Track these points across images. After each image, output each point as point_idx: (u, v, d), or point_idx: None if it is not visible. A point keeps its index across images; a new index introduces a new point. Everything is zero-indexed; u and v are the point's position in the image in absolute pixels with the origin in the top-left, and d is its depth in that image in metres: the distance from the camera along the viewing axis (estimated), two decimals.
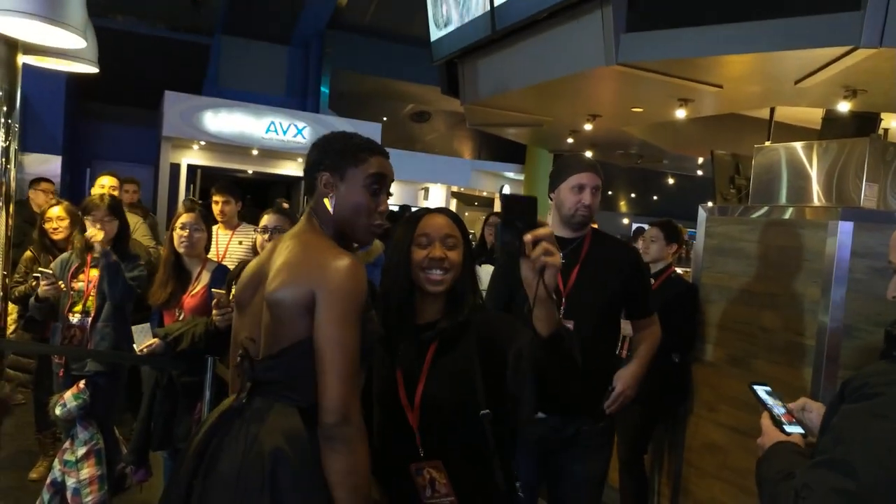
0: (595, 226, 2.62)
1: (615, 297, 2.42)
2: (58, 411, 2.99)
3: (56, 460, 3.04)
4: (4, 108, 3.18)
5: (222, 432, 1.42)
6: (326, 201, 1.48)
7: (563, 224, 2.46)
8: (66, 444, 3.04)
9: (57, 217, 3.66)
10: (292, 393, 1.39)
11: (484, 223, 5.18)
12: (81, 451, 2.99)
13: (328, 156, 1.50)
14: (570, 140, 6.93)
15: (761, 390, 1.53)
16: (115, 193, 4.37)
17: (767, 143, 4.88)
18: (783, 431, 1.39)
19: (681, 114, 4.75)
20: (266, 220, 2.90)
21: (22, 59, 3.19)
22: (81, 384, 3.03)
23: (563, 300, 2.42)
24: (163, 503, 1.47)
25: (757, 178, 4.52)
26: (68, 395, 3.01)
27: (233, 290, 2.84)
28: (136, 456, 3.01)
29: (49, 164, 8.66)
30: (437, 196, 17.00)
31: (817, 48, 3.21)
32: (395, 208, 9.10)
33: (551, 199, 2.50)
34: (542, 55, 4.35)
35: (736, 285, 3.11)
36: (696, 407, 3.26)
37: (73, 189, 10.12)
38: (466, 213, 17.94)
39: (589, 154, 7.91)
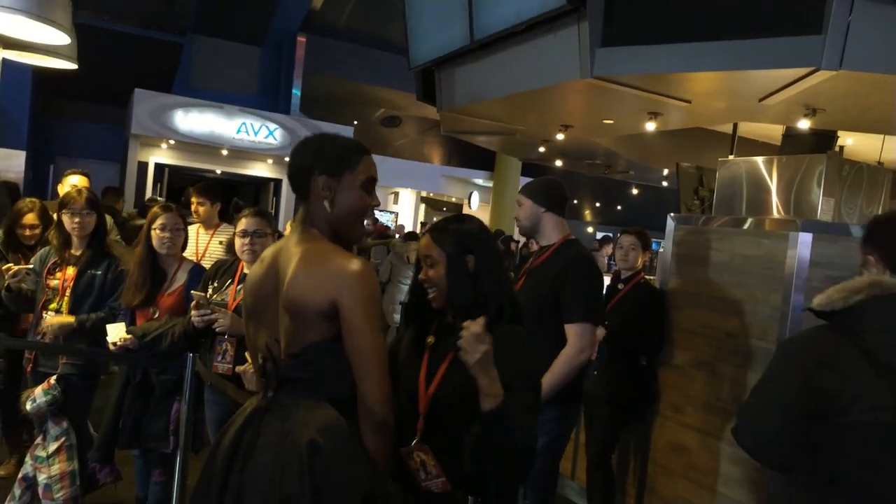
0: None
1: (545, 299, 2.59)
2: (28, 406, 2.96)
3: (28, 456, 3.02)
4: None
5: (253, 429, 1.50)
6: (327, 204, 1.55)
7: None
8: (38, 440, 3.02)
9: (30, 226, 3.58)
10: (317, 388, 1.48)
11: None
12: (53, 447, 2.96)
13: (324, 161, 1.56)
14: (541, 149, 7.06)
15: None
16: None
17: (731, 157, 5.07)
18: None
19: (650, 127, 4.90)
20: (245, 223, 2.86)
21: (1, 53, 3.18)
22: (52, 380, 3.00)
23: None
24: (196, 501, 1.54)
25: (721, 190, 4.71)
26: (38, 390, 2.98)
27: (209, 290, 2.87)
28: (101, 454, 2.99)
29: (12, 160, 8.46)
30: (406, 201, 17.07)
31: (781, 69, 3.37)
32: None
33: None
34: (518, 66, 4.45)
35: (702, 292, 3.25)
36: (662, 408, 3.38)
37: (35, 185, 9.92)
38: (435, 219, 18.01)
39: (559, 163, 8.07)
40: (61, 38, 2.90)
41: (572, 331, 2.56)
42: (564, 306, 2.57)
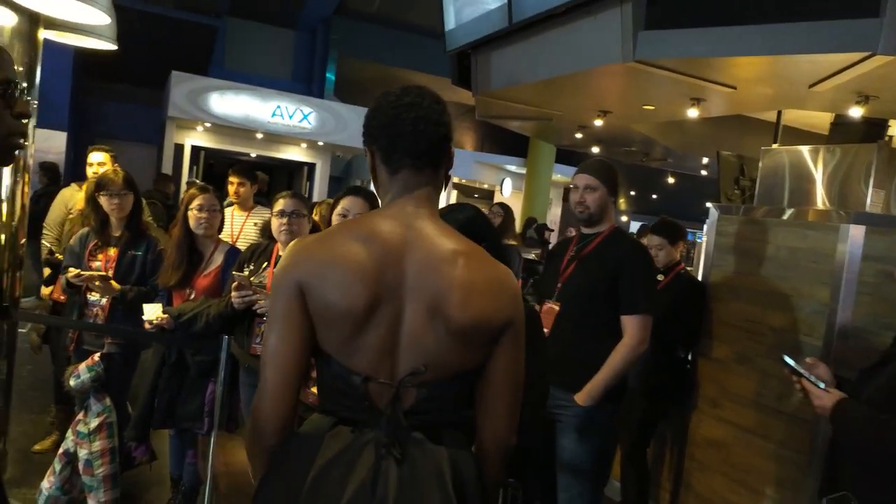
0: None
1: (601, 287, 2.55)
2: (72, 382, 3.00)
3: (69, 431, 3.07)
4: (24, 84, 3.19)
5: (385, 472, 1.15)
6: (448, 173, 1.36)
7: (577, 221, 2.73)
8: (80, 416, 3.06)
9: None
10: (451, 416, 1.26)
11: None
12: (94, 423, 3.01)
13: (450, 120, 1.34)
14: (577, 135, 6.94)
15: (790, 359, 1.97)
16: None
17: (775, 146, 4.91)
18: (818, 386, 1.89)
19: (692, 113, 4.76)
20: (283, 203, 2.87)
21: (42, 33, 3.20)
22: (96, 357, 3.04)
23: (559, 286, 2.66)
24: None
25: (763, 180, 4.56)
26: (82, 367, 3.02)
27: (245, 273, 2.87)
28: (136, 432, 3.06)
29: (54, 141, 8.61)
30: None
31: (835, 53, 3.23)
32: None
33: None
34: (557, 49, 4.35)
35: (745, 284, 3.15)
36: (700, 402, 3.30)
37: (76, 166, 10.10)
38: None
39: (595, 150, 7.94)
40: (101, 18, 2.89)
41: (634, 322, 2.51)
42: (624, 296, 2.52)
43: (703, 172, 9.62)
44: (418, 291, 1.19)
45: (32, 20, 3.06)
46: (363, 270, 1.18)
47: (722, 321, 3.25)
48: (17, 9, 2.90)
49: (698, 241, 8.51)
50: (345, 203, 2.61)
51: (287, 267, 1.23)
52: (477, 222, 1.75)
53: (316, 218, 3.74)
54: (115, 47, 3.40)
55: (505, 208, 5.90)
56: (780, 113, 5.32)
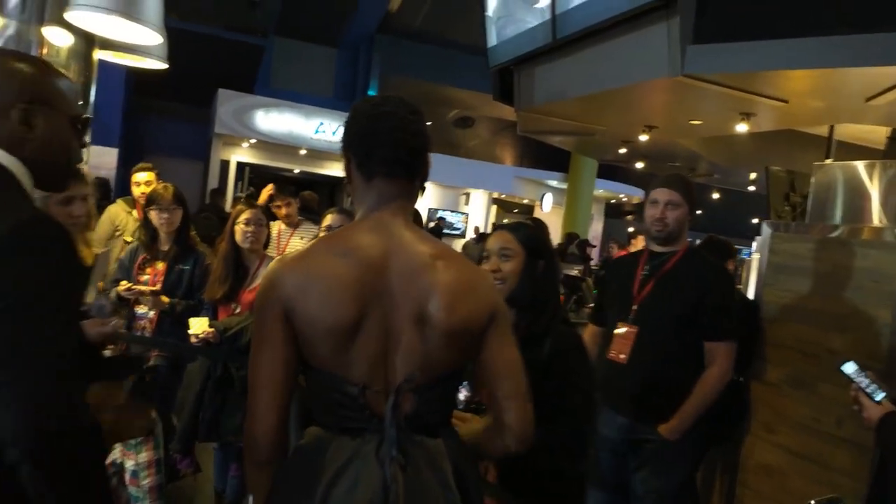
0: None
1: (685, 311, 2.42)
2: None
3: None
4: (80, 103, 3.29)
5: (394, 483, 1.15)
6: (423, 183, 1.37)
7: (650, 238, 2.56)
8: None
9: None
10: (440, 415, 1.28)
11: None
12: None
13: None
14: (621, 150, 6.87)
15: (850, 368, 1.83)
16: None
17: (828, 161, 4.76)
18: (874, 400, 1.75)
19: (741, 128, 4.66)
20: (330, 219, 2.90)
21: (97, 54, 3.29)
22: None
23: (634, 307, 2.50)
24: None
25: (816, 196, 4.41)
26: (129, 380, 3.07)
27: None
28: (181, 445, 3.07)
29: (106, 157, 8.85)
30: (478, 202, 16.99)
31: (892, 66, 3.12)
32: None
33: None
34: (602, 64, 4.32)
35: (801, 304, 3.03)
36: (754, 427, 3.18)
37: (126, 182, 10.38)
38: (506, 220, 17.89)
39: (639, 165, 7.83)
40: (154, 39, 2.97)
41: (722, 349, 2.42)
42: (711, 322, 2.41)
43: (751, 188, 9.42)
44: (404, 298, 1.21)
45: (88, 41, 3.15)
46: (345, 284, 1.19)
47: (776, 343, 3.13)
48: (75, 30, 2.99)
49: (745, 257, 8.30)
50: None
51: (268, 288, 1.24)
52: (539, 240, 1.81)
53: None
54: (165, 66, 3.49)
55: (538, 223, 5.84)
56: (832, 127, 5.17)
